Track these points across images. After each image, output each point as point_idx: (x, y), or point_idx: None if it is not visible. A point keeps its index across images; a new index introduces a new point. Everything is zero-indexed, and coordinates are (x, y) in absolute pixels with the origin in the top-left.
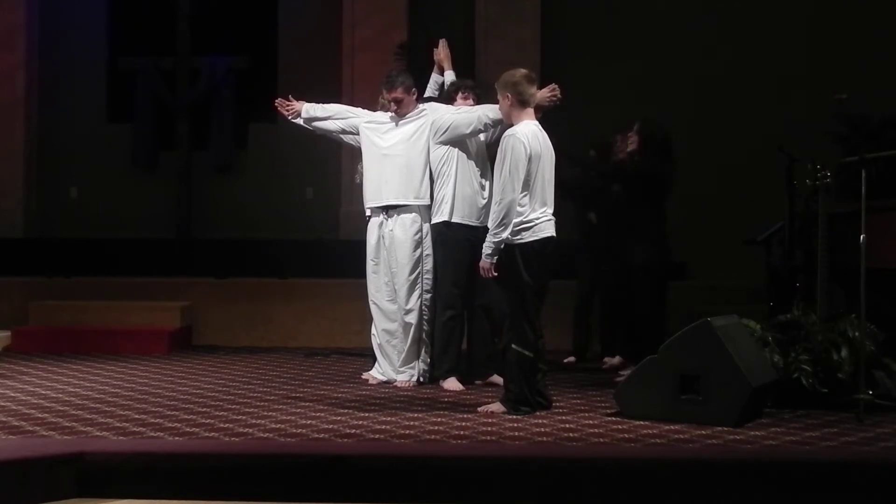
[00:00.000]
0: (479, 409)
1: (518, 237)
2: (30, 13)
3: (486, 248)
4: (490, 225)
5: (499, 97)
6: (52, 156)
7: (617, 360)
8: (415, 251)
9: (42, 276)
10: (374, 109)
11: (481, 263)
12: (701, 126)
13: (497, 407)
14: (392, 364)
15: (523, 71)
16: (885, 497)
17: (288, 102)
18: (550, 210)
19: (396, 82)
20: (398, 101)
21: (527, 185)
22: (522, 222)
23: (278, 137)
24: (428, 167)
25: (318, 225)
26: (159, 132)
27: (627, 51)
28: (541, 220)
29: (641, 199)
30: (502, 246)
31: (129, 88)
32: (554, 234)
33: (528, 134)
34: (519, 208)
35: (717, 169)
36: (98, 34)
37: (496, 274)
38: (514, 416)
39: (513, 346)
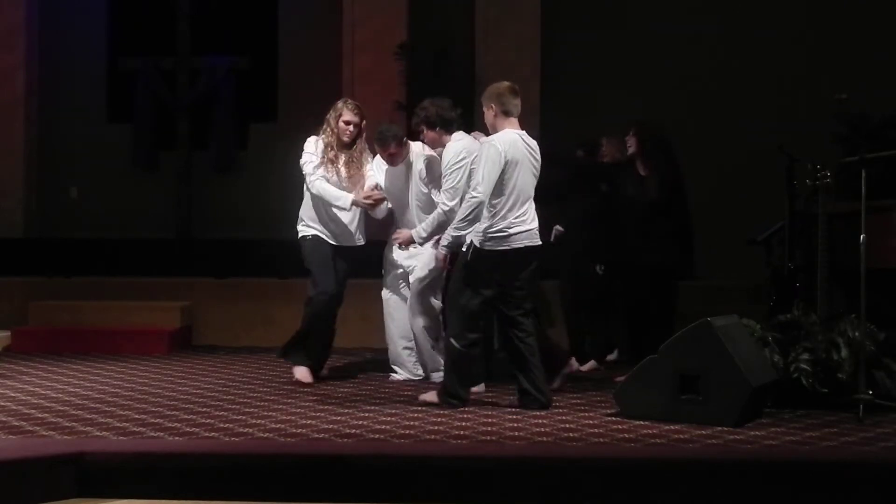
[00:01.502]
0: (419, 397)
1: (489, 243)
2: (30, 13)
3: (444, 240)
4: (455, 218)
5: (484, 109)
6: (52, 156)
7: (591, 364)
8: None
9: (42, 276)
10: (372, 109)
11: (436, 253)
12: (701, 126)
13: (431, 396)
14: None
15: (507, 84)
16: (885, 497)
17: (371, 194)
18: (529, 217)
19: (388, 138)
20: (393, 157)
21: (501, 192)
22: (495, 229)
23: (278, 137)
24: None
25: None
26: (159, 132)
27: (627, 51)
28: (514, 228)
29: (663, 207)
30: (460, 241)
31: (129, 88)
32: (531, 244)
33: (507, 141)
34: (489, 211)
35: (717, 169)
36: (98, 34)
37: (450, 267)
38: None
39: (450, 339)
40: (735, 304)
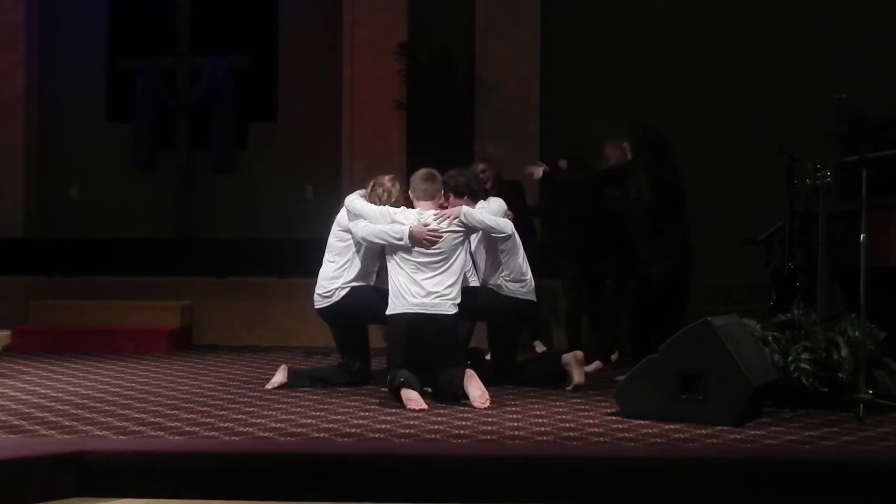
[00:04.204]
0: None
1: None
2: (30, 13)
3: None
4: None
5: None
6: (52, 155)
7: (596, 364)
8: None
9: (42, 276)
10: (372, 108)
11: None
12: (701, 126)
13: None
14: None
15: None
16: (885, 497)
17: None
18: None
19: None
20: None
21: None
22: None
23: (278, 137)
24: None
25: (318, 225)
26: (159, 132)
27: (627, 51)
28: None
29: (663, 210)
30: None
31: (129, 88)
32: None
33: None
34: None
35: (717, 169)
36: (98, 34)
37: None
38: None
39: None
40: (735, 304)
